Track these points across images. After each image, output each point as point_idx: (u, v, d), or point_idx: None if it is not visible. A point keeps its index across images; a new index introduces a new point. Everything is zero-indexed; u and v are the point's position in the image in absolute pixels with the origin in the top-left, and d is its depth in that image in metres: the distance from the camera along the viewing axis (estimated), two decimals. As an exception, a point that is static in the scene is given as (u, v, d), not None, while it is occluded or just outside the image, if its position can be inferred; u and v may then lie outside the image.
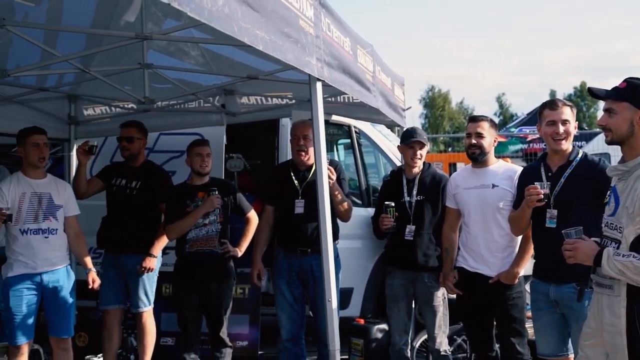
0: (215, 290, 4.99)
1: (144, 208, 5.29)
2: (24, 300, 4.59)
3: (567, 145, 3.93)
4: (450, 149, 26.24)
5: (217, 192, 4.94)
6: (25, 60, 4.62)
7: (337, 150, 7.88)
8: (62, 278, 4.75)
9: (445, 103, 52.62)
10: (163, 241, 5.27)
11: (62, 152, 6.88)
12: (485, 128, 4.44)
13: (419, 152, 4.81)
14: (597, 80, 71.34)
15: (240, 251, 5.12)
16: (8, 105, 5.67)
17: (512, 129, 21.28)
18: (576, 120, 4.00)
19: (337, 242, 4.91)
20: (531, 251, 4.22)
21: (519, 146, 17.79)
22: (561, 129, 3.89)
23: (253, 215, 5.24)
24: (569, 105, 3.99)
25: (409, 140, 4.81)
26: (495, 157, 4.60)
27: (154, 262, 5.26)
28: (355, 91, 4.19)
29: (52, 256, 4.70)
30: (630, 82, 3.07)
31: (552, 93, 48.07)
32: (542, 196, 3.80)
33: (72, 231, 4.88)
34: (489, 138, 4.45)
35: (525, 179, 4.05)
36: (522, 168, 4.41)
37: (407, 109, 6.42)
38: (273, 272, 5.10)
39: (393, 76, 5.75)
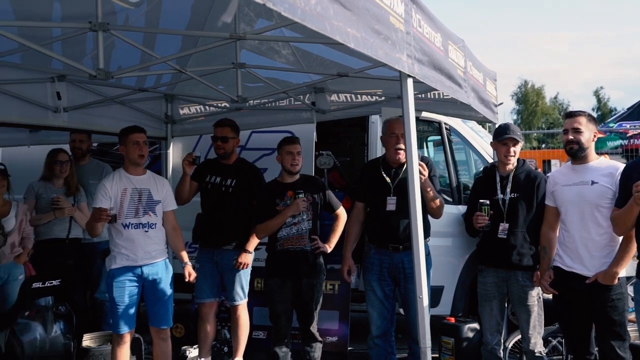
0: (306, 285, 5.06)
1: (239, 205, 5.43)
2: (126, 291, 4.78)
3: (672, 140, 3.72)
4: (543, 146, 25.35)
5: (303, 195, 4.96)
6: (126, 62, 4.81)
7: (427, 147, 7.81)
8: (161, 270, 4.92)
9: (539, 98, 51.08)
10: (257, 237, 5.37)
11: (160, 150, 7.16)
12: (582, 123, 4.26)
13: (512, 149, 4.69)
14: None
15: (330, 247, 5.17)
16: (111, 105, 5.97)
17: (611, 124, 20.29)
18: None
19: (428, 239, 4.87)
20: (633, 251, 4.01)
21: (618, 142, 16.97)
22: (665, 123, 3.69)
23: (342, 212, 5.28)
24: (673, 99, 3.77)
25: (502, 136, 4.70)
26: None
27: (250, 258, 5.39)
28: (446, 87, 4.12)
29: (151, 249, 4.86)
30: None
31: (655, 86, 45.61)
32: None
33: (169, 226, 5.03)
34: (588, 133, 4.26)
35: (630, 176, 3.85)
36: (624, 165, 4.20)
37: (499, 105, 6.26)
38: (364, 268, 5.10)
39: (485, 71, 5.63)
